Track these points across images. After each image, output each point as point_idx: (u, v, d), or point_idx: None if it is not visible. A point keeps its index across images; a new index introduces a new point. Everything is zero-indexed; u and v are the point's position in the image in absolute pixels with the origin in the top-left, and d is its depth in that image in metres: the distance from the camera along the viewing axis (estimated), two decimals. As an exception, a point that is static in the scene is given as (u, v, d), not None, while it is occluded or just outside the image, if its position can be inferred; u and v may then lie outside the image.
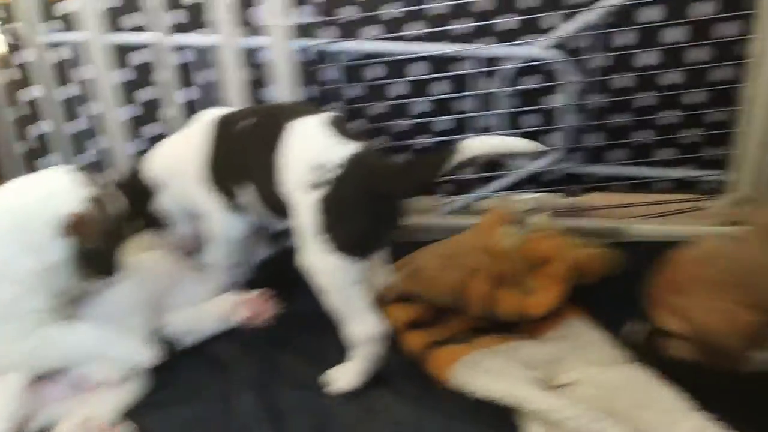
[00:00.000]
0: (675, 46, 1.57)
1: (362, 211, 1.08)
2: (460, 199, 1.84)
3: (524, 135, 1.72)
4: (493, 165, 1.80)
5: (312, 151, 1.11)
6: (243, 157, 1.23)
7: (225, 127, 1.29)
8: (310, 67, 1.72)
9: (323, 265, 1.12)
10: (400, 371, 1.23)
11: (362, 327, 1.14)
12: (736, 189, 1.57)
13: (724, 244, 1.10)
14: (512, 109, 1.72)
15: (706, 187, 1.68)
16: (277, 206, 1.19)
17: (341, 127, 1.15)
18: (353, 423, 1.12)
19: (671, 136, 1.66)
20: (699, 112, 1.61)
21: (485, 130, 1.75)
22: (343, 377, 1.18)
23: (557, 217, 1.80)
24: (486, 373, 1.15)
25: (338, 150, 1.09)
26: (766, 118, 1.44)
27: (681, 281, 1.05)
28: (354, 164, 1.08)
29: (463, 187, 1.85)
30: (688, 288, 1.04)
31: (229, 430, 1.11)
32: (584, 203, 1.86)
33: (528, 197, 1.82)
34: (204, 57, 1.74)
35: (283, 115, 1.18)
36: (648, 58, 1.59)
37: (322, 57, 1.72)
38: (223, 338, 1.33)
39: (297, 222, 1.14)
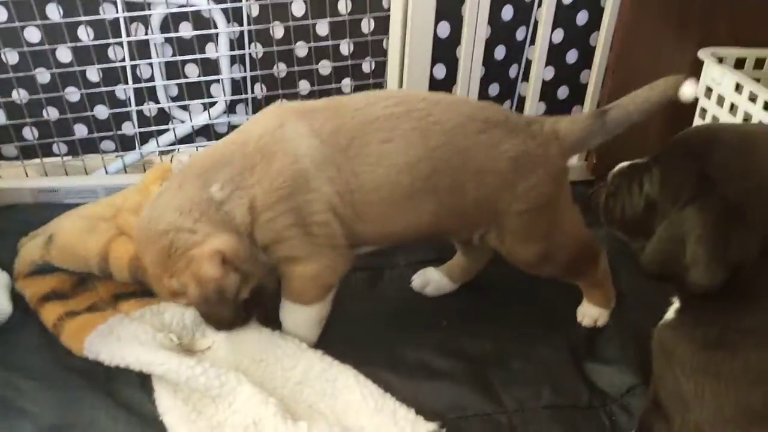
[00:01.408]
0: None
1: None
2: (126, 156, 1.71)
3: (186, 86, 1.67)
4: (158, 119, 1.70)
5: None
6: None
7: None
8: None
9: None
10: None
11: None
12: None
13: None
14: (170, 59, 1.62)
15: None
16: None
17: None
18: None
19: (334, 86, 1.71)
20: (350, 63, 1.67)
21: (141, 81, 1.63)
22: None
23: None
24: (118, 340, 1.10)
25: None
26: (400, 68, 1.55)
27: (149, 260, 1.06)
28: None
29: (129, 144, 1.72)
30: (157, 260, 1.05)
31: None
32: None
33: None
34: None
35: None
36: (298, 7, 1.60)
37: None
38: None
39: None
